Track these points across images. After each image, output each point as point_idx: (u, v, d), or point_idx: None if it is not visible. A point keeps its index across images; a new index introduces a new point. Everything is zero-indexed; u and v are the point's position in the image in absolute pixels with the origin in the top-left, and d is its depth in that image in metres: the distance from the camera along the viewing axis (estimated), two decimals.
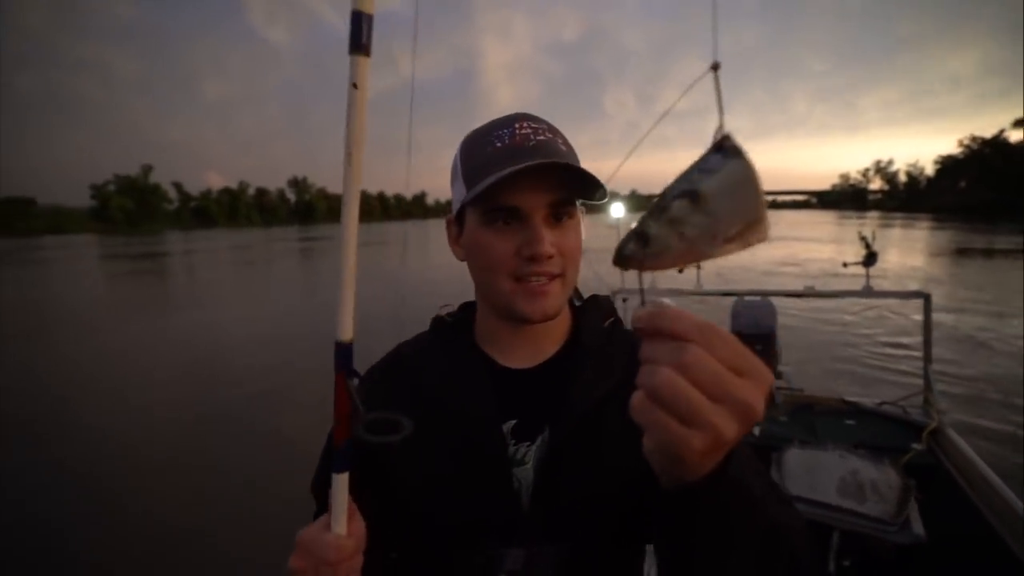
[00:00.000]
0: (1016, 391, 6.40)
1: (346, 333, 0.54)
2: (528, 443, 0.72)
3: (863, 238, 3.49)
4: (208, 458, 5.28)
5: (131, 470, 5.05)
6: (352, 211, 0.52)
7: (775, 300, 3.89)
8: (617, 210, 3.88)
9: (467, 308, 0.85)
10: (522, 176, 0.64)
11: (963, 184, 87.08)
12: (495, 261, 0.69)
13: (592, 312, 0.82)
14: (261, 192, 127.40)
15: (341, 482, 0.56)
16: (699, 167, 0.36)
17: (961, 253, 23.90)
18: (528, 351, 0.77)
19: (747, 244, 0.37)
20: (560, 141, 0.72)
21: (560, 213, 0.70)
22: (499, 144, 0.69)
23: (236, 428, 5.99)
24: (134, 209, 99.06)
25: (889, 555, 2.20)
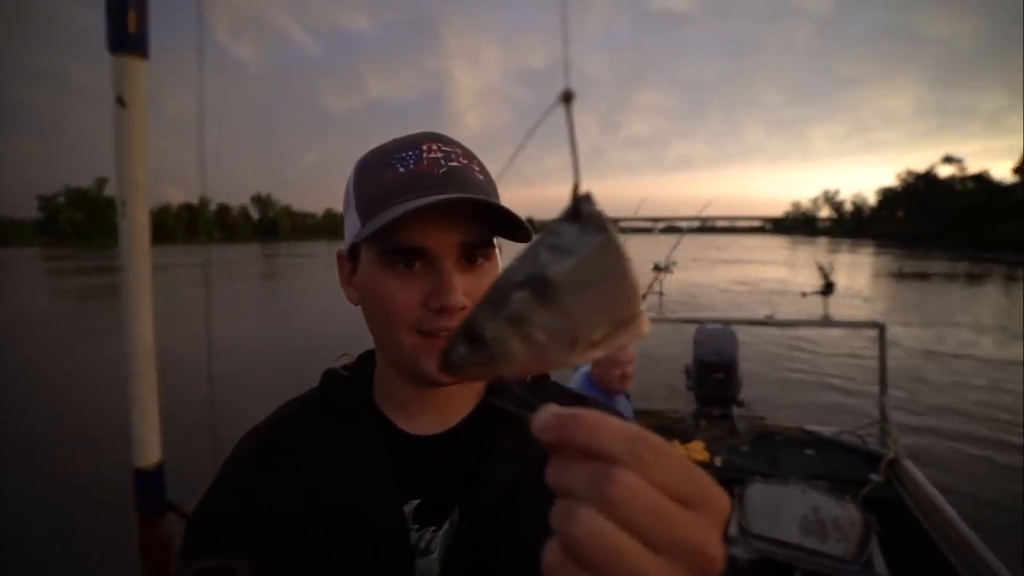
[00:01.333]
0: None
1: (147, 455, 0.39)
2: (434, 527, 0.59)
3: (821, 268, 3.53)
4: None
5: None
6: (140, 285, 0.38)
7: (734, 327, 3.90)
8: None
9: (368, 359, 0.71)
10: (430, 211, 0.53)
11: (901, 214, 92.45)
12: (395, 312, 0.57)
13: None
14: (223, 208, 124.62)
15: None
16: (547, 243, 0.25)
17: (899, 276, 27.40)
18: (435, 414, 0.64)
19: (618, 346, 0.27)
20: (476, 168, 0.61)
21: (475, 254, 0.58)
22: (402, 169, 0.57)
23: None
24: (85, 222, 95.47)
25: None
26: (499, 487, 0.58)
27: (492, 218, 0.57)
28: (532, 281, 0.25)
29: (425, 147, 0.59)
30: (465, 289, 0.56)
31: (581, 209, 0.25)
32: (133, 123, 0.33)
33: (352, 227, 0.60)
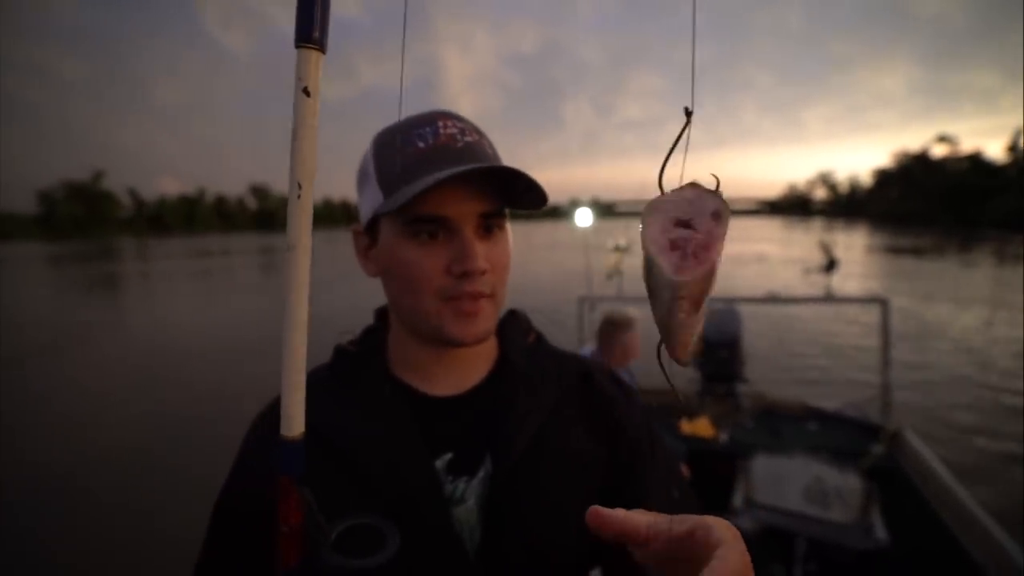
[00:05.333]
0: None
1: (294, 427, 0.41)
2: (467, 478, 0.62)
3: (825, 247, 3.57)
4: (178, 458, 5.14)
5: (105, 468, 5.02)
6: (302, 262, 0.39)
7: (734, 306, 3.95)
8: (584, 216, 3.87)
9: (372, 333, 0.72)
10: (452, 182, 0.55)
11: (895, 194, 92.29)
12: (421, 279, 0.59)
13: (515, 329, 0.74)
14: (220, 199, 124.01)
15: None
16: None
17: (893, 252, 29.95)
18: (455, 376, 0.68)
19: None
20: (487, 143, 0.65)
21: (491, 224, 0.62)
22: (422, 144, 0.60)
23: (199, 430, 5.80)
24: (84, 216, 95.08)
25: (853, 560, 2.23)
26: (527, 436, 0.64)
27: (504, 189, 0.61)
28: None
29: (441, 123, 0.62)
30: (484, 256, 0.60)
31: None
32: (314, 112, 0.36)
33: (372, 201, 0.62)
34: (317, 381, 0.67)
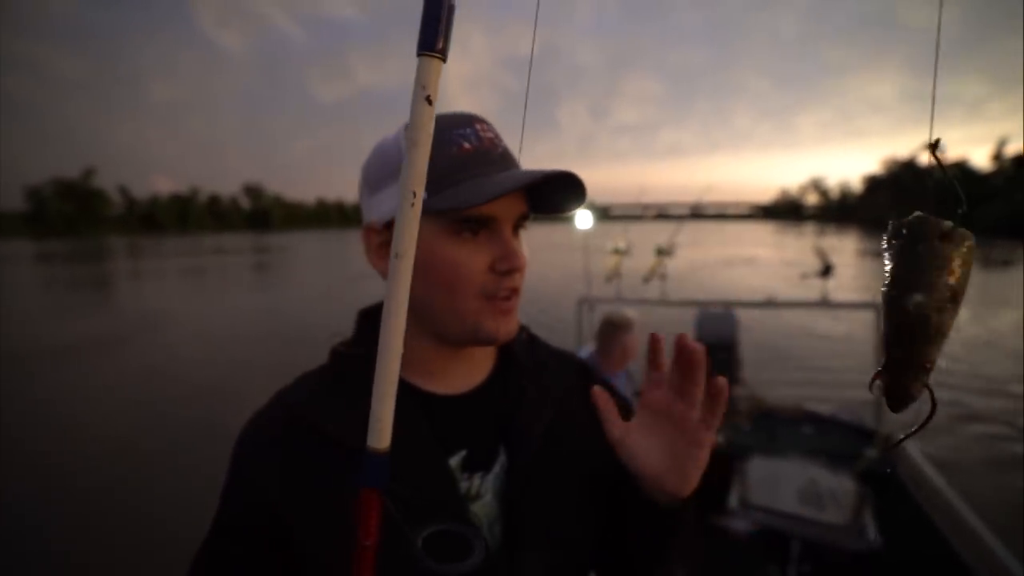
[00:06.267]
0: None
1: (381, 439, 0.41)
2: (482, 473, 0.64)
3: (821, 252, 3.63)
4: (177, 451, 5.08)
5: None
6: (407, 270, 0.40)
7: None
8: (585, 219, 3.91)
9: (367, 334, 0.68)
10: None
11: (885, 200, 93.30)
12: (463, 278, 0.59)
13: None
14: (213, 198, 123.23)
15: None
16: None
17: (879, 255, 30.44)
18: (462, 375, 0.68)
19: None
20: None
21: (519, 225, 0.64)
22: (467, 145, 0.60)
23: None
24: (74, 214, 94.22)
25: (846, 561, 2.27)
26: (541, 428, 0.66)
27: (534, 193, 0.64)
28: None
29: (478, 126, 0.62)
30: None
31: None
32: (431, 119, 0.36)
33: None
34: (314, 385, 0.66)
